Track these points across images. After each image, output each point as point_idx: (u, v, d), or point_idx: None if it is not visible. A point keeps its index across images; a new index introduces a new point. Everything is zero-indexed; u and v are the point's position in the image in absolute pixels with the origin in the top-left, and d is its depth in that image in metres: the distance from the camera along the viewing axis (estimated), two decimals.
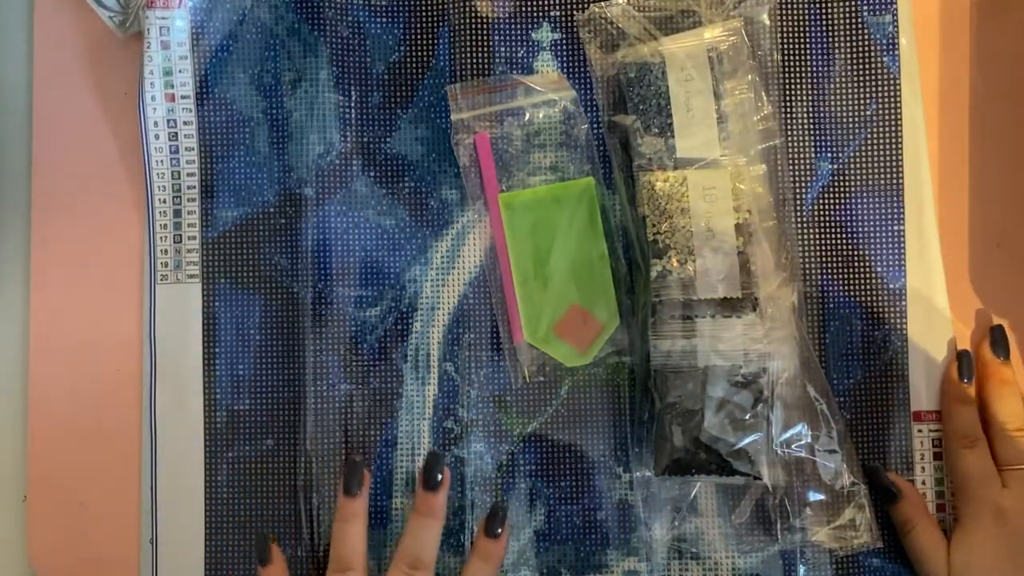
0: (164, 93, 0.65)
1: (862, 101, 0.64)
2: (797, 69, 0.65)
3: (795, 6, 0.65)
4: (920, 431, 0.64)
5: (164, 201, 0.64)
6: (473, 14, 0.65)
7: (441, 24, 0.65)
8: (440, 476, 0.61)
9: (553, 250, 0.64)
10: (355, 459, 0.62)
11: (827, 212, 0.65)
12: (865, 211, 0.64)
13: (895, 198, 0.64)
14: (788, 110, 0.64)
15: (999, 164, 0.65)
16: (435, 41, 0.65)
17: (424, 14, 0.65)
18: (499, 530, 0.62)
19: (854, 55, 0.65)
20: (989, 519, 0.60)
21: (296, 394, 0.64)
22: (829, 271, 0.64)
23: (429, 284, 0.65)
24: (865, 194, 0.64)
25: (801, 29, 0.65)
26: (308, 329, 0.64)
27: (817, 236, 0.65)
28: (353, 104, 0.65)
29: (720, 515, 0.63)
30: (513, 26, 0.65)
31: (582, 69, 0.65)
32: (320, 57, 0.65)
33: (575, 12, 0.65)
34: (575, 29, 0.65)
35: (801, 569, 0.63)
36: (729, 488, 0.63)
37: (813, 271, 0.64)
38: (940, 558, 0.61)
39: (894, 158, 0.64)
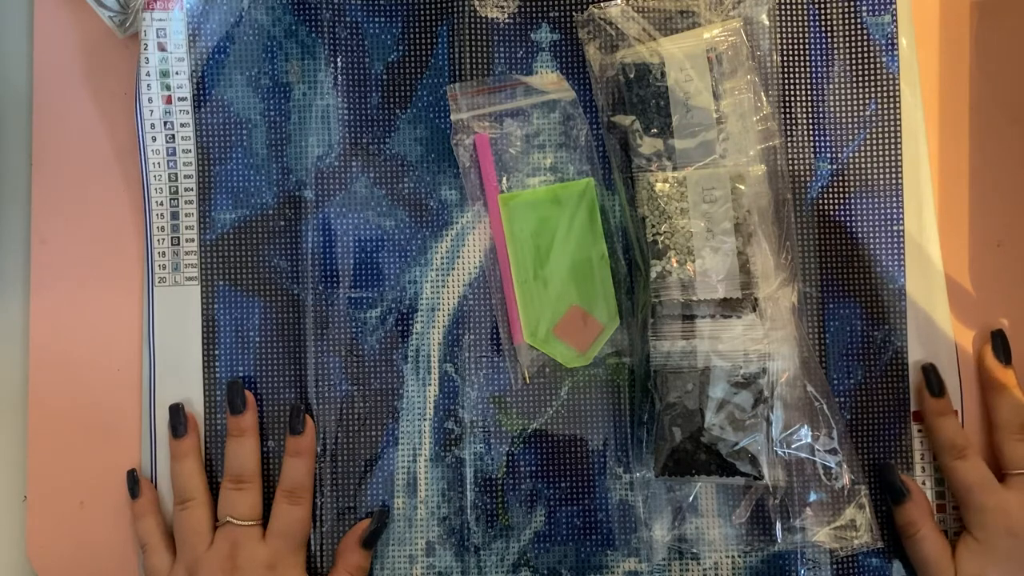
0: (161, 95, 0.65)
1: (862, 101, 0.64)
2: (796, 69, 0.64)
3: (794, 6, 0.65)
4: (920, 431, 0.64)
5: (161, 203, 0.64)
6: (472, 14, 0.65)
7: (440, 23, 0.65)
8: (244, 401, 0.63)
9: (553, 251, 0.64)
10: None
11: (827, 212, 0.64)
12: (865, 211, 0.64)
13: (895, 198, 0.64)
14: (787, 110, 0.64)
15: (999, 164, 0.65)
16: (434, 40, 0.65)
17: (422, 13, 0.65)
18: (300, 427, 0.63)
19: (853, 55, 0.64)
20: (995, 526, 0.60)
21: (297, 395, 0.64)
22: (829, 271, 0.64)
23: (429, 285, 0.65)
24: (865, 194, 0.64)
25: (800, 29, 0.65)
26: (309, 331, 0.64)
27: (817, 236, 0.64)
28: (352, 105, 0.65)
29: (720, 515, 0.63)
30: (512, 27, 0.65)
31: (581, 70, 0.65)
32: (318, 58, 0.64)
33: (574, 13, 0.65)
34: (574, 30, 0.65)
35: (801, 569, 0.63)
36: (729, 488, 0.63)
37: (813, 271, 0.64)
38: (946, 566, 0.60)
39: (894, 158, 0.64)
